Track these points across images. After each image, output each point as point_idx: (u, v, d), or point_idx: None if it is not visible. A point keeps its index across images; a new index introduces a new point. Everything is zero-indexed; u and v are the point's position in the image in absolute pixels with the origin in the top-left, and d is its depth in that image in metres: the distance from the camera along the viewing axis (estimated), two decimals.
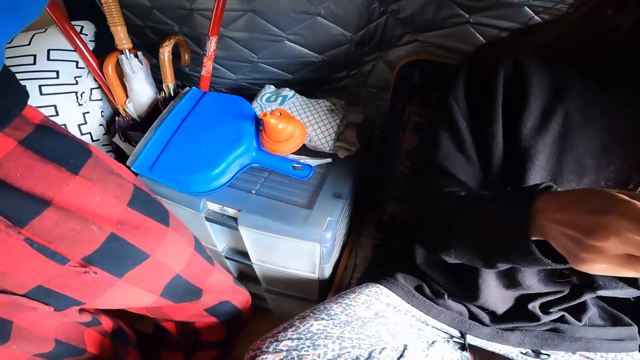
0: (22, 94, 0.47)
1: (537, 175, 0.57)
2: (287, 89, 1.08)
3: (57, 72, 1.05)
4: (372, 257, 1.07)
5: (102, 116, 1.17)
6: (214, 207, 0.92)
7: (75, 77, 1.08)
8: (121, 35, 1.04)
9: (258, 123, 0.97)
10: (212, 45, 1.03)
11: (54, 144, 0.49)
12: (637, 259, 0.35)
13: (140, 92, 1.09)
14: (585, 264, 0.38)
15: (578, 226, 0.38)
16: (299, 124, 0.94)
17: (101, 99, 1.16)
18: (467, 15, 0.88)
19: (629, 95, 0.54)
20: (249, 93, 1.17)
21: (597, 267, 0.37)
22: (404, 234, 0.95)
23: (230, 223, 0.90)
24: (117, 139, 1.14)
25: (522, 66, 0.58)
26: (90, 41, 1.09)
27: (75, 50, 1.07)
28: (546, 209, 0.42)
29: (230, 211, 0.90)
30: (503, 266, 0.52)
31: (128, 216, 0.56)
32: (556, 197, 0.42)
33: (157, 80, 1.16)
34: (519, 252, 0.46)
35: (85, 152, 0.53)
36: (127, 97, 1.11)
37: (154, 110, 1.11)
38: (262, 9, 1.00)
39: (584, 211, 0.38)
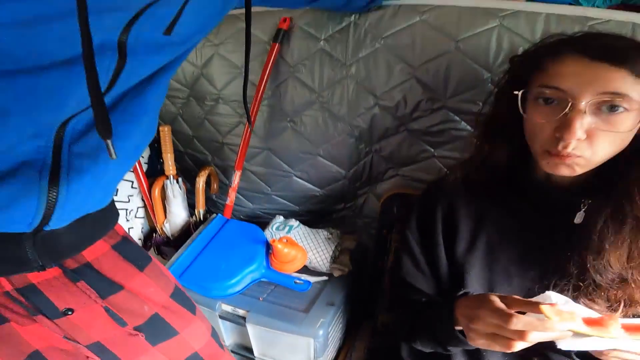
0: (116, 212, 0.73)
1: (474, 282, 0.75)
2: (294, 219, 1.33)
3: (117, 189, 1.28)
4: (365, 357, 1.19)
5: (142, 232, 1.40)
6: (227, 308, 1.12)
7: (128, 196, 1.32)
8: (169, 163, 1.34)
9: (268, 247, 1.20)
10: (236, 178, 1.30)
11: (131, 251, 0.73)
12: (497, 336, 0.56)
13: (177, 215, 1.34)
14: (472, 340, 0.61)
15: (467, 317, 0.61)
16: (301, 249, 1.17)
17: (143, 217, 1.41)
18: (433, 150, 1.14)
19: (528, 215, 0.75)
20: (262, 221, 1.41)
21: (479, 342, 0.60)
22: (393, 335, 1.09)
23: (239, 321, 1.09)
24: (152, 252, 1.36)
25: (452, 203, 0.81)
26: (144, 163, 1.36)
27: (132, 171, 1.32)
28: (459, 308, 0.66)
29: (241, 312, 1.09)
30: (455, 349, 0.72)
31: (169, 304, 0.77)
32: (465, 300, 0.66)
33: (190, 204, 1.42)
34: (453, 340, 0.67)
35: (148, 259, 0.77)
36: (165, 217, 1.36)
37: (186, 232, 1.36)
38: (277, 148, 1.31)
39: (472, 307, 0.61)
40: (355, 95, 1.14)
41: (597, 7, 1.13)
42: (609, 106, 0.58)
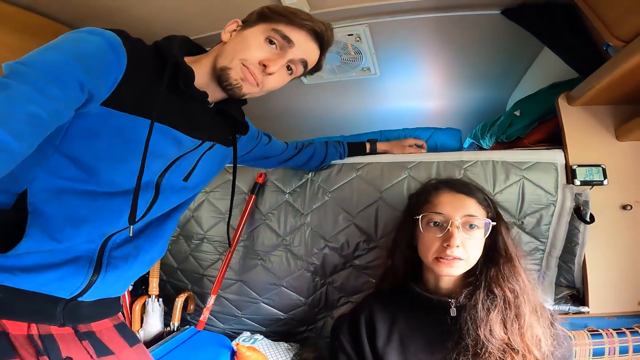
0: (120, 305, 0.95)
1: None
2: (259, 334, 1.53)
3: None
4: None
5: None
6: None
7: None
8: (154, 285, 1.57)
9: (233, 354, 1.37)
10: (211, 300, 1.53)
11: (126, 332, 0.91)
12: None
13: (152, 325, 1.53)
14: None
15: None
16: (262, 354, 1.35)
17: None
18: (374, 281, 1.37)
19: (424, 315, 0.98)
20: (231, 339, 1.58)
21: None
22: None
23: None
24: None
25: (371, 311, 1.04)
26: (131, 284, 1.57)
27: None
28: None
29: None
30: None
31: None
32: None
33: (166, 324, 1.60)
34: None
35: (138, 341, 0.95)
36: (141, 326, 1.53)
37: (159, 339, 1.51)
38: (248, 280, 1.57)
39: None
40: (310, 238, 1.46)
41: (484, 147, 1.76)
42: (469, 225, 0.95)
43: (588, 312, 1.26)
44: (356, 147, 1.45)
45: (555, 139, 1.32)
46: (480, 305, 0.90)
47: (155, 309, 1.54)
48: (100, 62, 0.68)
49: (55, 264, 0.73)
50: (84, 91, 0.65)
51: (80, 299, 0.78)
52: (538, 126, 1.39)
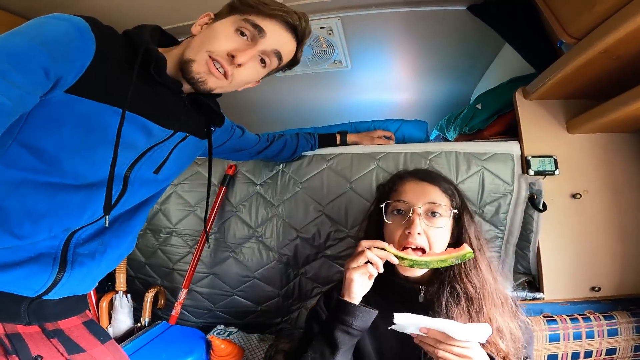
0: (87, 303, 0.99)
1: (366, 348, 1.01)
2: (233, 327, 1.62)
3: None
4: None
5: None
6: None
7: None
8: (121, 280, 1.63)
9: (209, 346, 1.45)
10: (183, 294, 1.61)
11: (96, 329, 0.95)
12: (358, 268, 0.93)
13: (121, 321, 1.59)
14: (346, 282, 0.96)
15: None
16: (237, 346, 1.44)
17: None
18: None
19: (396, 299, 1.05)
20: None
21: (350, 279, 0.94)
22: None
23: None
24: None
25: None
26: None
27: None
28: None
29: None
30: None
31: None
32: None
33: (136, 320, 1.66)
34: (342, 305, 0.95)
35: (109, 337, 0.99)
36: (109, 323, 1.58)
37: (129, 335, 1.57)
38: (221, 273, 1.65)
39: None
40: (282, 229, 1.56)
41: (448, 138, 1.91)
42: (432, 212, 1.01)
43: (543, 298, 1.40)
44: (327, 138, 1.55)
45: (512, 131, 1.47)
46: (444, 301, 0.96)
47: (123, 305, 1.59)
48: (66, 47, 0.68)
49: (18, 262, 0.74)
50: (49, 77, 0.66)
51: (45, 297, 0.79)
52: (497, 119, 1.54)
